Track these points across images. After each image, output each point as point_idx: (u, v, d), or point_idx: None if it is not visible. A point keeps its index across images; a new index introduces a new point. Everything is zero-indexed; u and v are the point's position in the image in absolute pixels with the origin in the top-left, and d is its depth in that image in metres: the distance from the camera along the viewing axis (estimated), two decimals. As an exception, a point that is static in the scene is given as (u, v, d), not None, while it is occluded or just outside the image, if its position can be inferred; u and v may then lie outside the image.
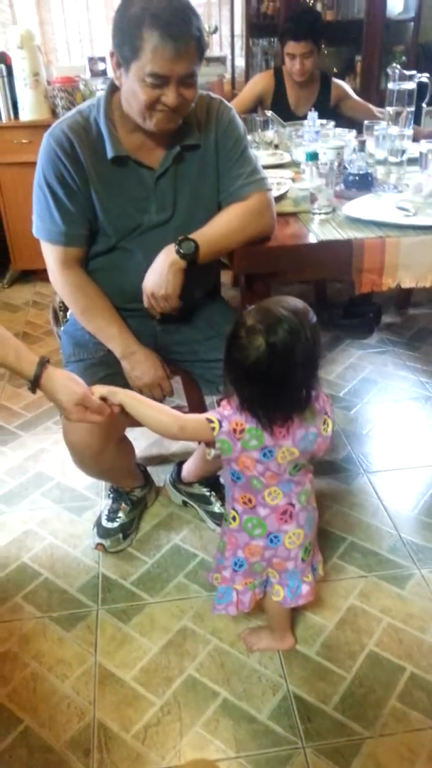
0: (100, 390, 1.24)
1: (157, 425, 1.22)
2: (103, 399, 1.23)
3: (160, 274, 1.45)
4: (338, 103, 2.91)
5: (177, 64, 1.25)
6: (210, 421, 1.17)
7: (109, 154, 1.40)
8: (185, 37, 1.24)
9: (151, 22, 1.22)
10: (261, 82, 2.93)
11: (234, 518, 1.29)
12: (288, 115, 2.60)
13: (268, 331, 1.07)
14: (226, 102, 1.51)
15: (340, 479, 2.00)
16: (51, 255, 1.49)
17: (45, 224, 1.46)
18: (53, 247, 1.47)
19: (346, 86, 2.96)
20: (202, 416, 1.18)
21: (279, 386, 1.11)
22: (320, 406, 1.21)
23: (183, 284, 1.45)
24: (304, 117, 2.71)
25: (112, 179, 1.43)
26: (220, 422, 1.17)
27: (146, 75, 1.26)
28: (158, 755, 1.27)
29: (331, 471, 2.03)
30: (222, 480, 1.34)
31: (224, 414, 1.17)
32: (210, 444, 1.21)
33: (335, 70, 3.86)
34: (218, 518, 1.79)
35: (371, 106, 2.89)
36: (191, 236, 1.44)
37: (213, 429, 1.17)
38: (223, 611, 1.37)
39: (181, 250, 1.43)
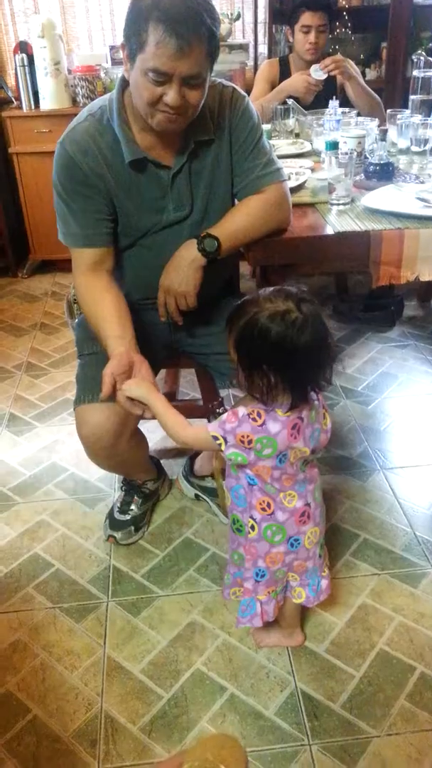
0: (129, 383, 1.27)
1: (168, 431, 1.25)
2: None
3: (179, 270, 1.43)
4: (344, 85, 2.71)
5: (180, 62, 1.20)
6: (215, 438, 1.16)
7: (127, 158, 1.36)
8: (191, 35, 1.19)
9: (158, 16, 1.17)
10: (267, 69, 2.85)
11: (252, 527, 1.27)
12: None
13: (297, 302, 1.10)
14: (239, 89, 1.47)
15: (356, 475, 1.97)
16: (73, 257, 1.47)
17: (66, 229, 1.44)
18: (72, 250, 1.46)
19: (355, 68, 2.77)
20: (207, 432, 1.17)
21: (317, 352, 1.11)
22: (320, 402, 1.23)
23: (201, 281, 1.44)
24: (312, 104, 2.65)
25: (129, 181, 1.40)
26: (224, 438, 1.15)
27: (148, 70, 1.22)
28: (164, 748, 1.27)
29: (346, 467, 2.01)
30: (228, 490, 1.30)
31: (227, 428, 1.15)
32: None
33: (361, 56, 3.79)
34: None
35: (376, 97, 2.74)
36: (212, 232, 1.42)
37: (220, 445, 1.16)
38: (248, 623, 1.35)
39: (206, 248, 1.41)
